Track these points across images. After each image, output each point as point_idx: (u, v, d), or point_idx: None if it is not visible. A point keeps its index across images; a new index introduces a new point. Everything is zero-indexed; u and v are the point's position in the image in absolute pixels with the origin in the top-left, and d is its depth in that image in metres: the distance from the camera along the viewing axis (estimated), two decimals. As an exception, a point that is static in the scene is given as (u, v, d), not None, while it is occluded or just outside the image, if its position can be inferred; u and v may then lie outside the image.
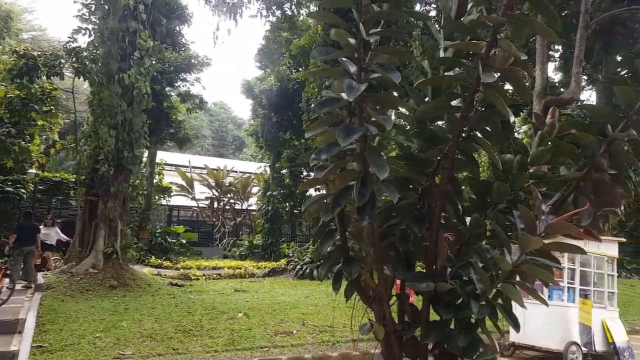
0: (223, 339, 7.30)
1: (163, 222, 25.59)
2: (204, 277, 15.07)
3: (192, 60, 19.21)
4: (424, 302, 2.00)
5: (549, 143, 2.31)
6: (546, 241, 1.89)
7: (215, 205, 27.97)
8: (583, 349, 7.57)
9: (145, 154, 18.58)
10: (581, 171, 2.23)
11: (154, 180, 21.42)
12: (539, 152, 2.35)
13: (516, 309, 2.08)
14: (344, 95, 1.78)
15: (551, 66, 22.40)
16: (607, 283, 8.41)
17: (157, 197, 22.06)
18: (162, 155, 24.78)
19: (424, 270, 2.08)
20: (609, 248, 8.46)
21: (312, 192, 12.25)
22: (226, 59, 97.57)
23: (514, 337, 8.00)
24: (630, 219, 25.56)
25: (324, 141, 2.01)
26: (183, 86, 19.87)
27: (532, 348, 7.98)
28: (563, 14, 17.19)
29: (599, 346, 7.87)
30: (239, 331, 7.76)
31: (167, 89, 18.89)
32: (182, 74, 19.34)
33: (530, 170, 2.34)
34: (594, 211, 2.25)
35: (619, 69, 19.10)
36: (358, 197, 1.74)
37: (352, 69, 1.85)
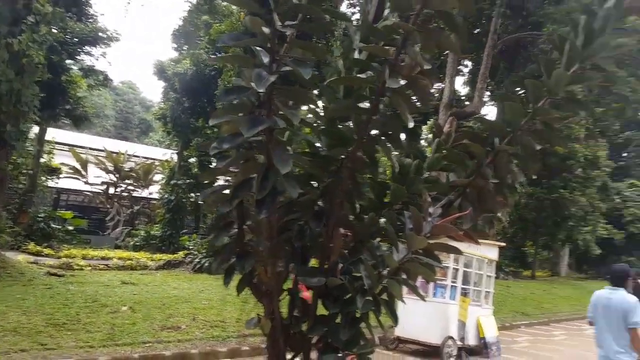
0: (101, 334, 6.82)
1: (49, 206, 23.29)
2: (89, 268, 13.90)
3: (100, 34, 17.69)
4: (314, 297, 2.04)
5: (444, 151, 2.48)
6: (431, 241, 2.02)
7: (112, 191, 26.08)
8: (458, 342, 8.25)
9: (35, 129, 16.77)
10: (468, 179, 2.42)
11: (42, 160, 19.39)
12: (434, 159, 2.51)
13: (405, 304, 2.20)
14: (254, 85, 1.75)
15: (461, 80, 24.16)
16: (485, 283, 9.28)
17: (43, 178, 20.00)
18: (55, 133, 22.53)
19: (318, 266, 2.11)
20: (490, 251, 9.32)
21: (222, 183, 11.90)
22: (139, 37, 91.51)
23: (399, 331, 8.48)
24: (512, 226, 28.63)
25: (230, 130, 1.96)
26: (87, 60, 18.27)
27: (414, 342, 8.54)
28: (475, 32, 18.58)
29: (472, 340, 8.64)
30: (121, 325, 7.30)
31: (67, 61, 17.18)
32: (87, 47, 17.74)
33: (426, 175, 2.49)
34: (476, 216, 2.46)
35: (517, 88, 21.04)
36: (258, 190, 1.72)
37: (265, 59, 1.82)
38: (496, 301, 14.90)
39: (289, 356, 2.12)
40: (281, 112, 1.88)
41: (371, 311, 2.06)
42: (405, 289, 2.15)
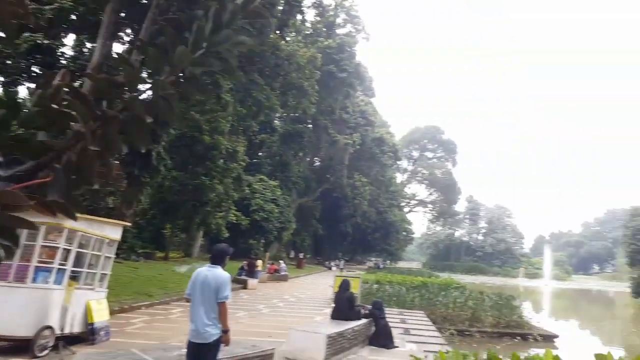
0: None
1: None
2: None
3: None
4: None
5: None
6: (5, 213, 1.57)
7: None
8: (58, 331, 7.31)
9: None
10: (68, 142, 2.07)
11: None
12: (32, 113, 2.05)
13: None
14: None
15: (122, 48, 22.60)
16: (103, 265, 8.57)
17: None
18: None
19: None
20: (113, 231, 8.69)
21: None
22: None
23: None
24: (153, 208, 29.00)
25: None
26: None
27: None
28: (140, 2, 17.75)
29: (77, 327, 7.84)
30: None
31: None
32: None
33: (20, 131, 2.00)
34: (73, 187, 2.13)
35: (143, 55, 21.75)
36: None
37: None
38: (121, 283, 14.60)
39: None
40: None
41: None
42: None
